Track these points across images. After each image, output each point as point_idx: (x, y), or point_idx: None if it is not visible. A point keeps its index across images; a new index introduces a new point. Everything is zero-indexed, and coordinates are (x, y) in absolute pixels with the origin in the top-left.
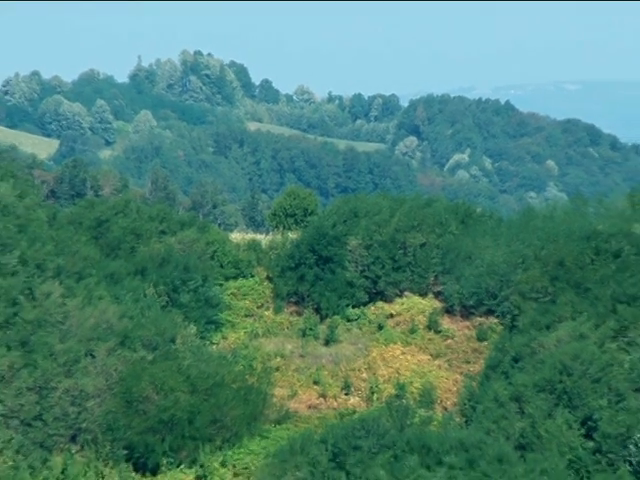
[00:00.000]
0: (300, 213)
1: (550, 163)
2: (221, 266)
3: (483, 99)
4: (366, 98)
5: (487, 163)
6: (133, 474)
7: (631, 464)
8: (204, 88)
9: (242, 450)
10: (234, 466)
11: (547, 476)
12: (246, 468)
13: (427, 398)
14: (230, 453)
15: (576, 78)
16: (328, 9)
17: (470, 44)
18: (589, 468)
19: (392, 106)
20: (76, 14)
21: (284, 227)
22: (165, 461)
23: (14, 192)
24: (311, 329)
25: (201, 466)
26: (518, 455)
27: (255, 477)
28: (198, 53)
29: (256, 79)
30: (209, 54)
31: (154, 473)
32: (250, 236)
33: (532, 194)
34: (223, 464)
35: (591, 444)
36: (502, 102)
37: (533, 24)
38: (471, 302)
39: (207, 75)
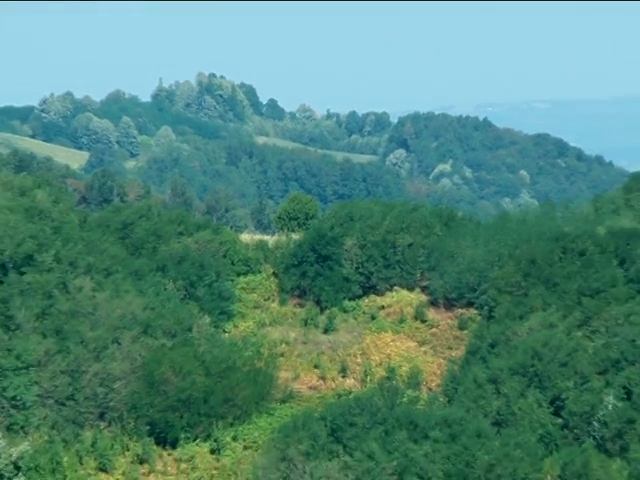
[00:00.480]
0: (302, 217)
1: (523, 173)
2: (232, 263)
3: (464, 116)
4: (360, 115)
5: (467, 172)
6: (154, 447)
7: (595, 438)
8: (217, 106)
9: (251, 426)
10: (244, 440)
11: (520, 449)
12: (254, 442)
13: (414, 380)
14: (240, 429)
15: (545, 97)
16: (328, 35)
17: (452, 67)
18: (557, 442)
19: (383, 122)
20: (104, 40)
21: (288, 229)
22: (183, 436)
23: (50, 198)
24: (312, 319)
25: (215, 440)
26: (495, 430)
27: (262, 450)
28: (212, 75)
29: (263, 98)
30: (222, 76)
31: (173, 446)
32: (258, 237)
33: (507, 200)
34: (234, 438)
35: (559, 421)
36: (480, 119)
37: (508, 49)
38: (453, 295)
39: (220, 95)
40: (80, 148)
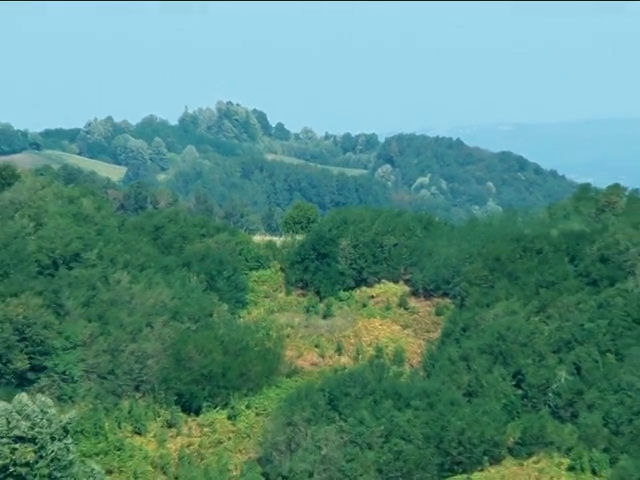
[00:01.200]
0: (304, 221)
1: (489, 184)
2: (246, 260)
3: (440, 137)
4: (353, 136)
5: (443, 184)
6: (181, 414)
7: (550, 407)
8: (234, 129)
9: (262, 396)
10: (256, 408)
11: (487, 416)
12: (265, 410)
13: (398, 358)
14: (253, 399)
15: (508, 121)
16: (327, 70)
17: (431, 94)
18: (518, 410)
19: (372, 142)
20: (139, 72)
21: (293, 231)
22: (205, 404)
23: (93, 205)
24: (313, 307)
25: (231, 408)
26: (466, 400)
27: (271, 416)
28: (229, 103)
29: (272, 122)
30: (237, 104)
31: (197, 413)
32: (267, 238)
33: (476, 207)
34: (248, 407)
35: (520, 392)
36: (454, 139)
37: (478, 79)
38: (431, 287)
39: (236, 119)
40: (119, 164)
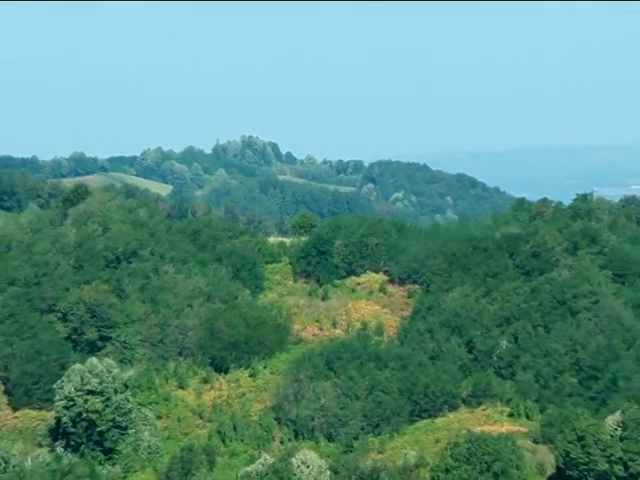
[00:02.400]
0: (307, 226)
1: (448, 198)
2: (263, 256)
3: (410, 162)
4: (345, 162)
5: (413, 198)
6: (214, 373)
7: (494, 367)
8: (254, 156)
9: (275, 359)
10: (270, 368)
11: (446, 374)
12: (277, 370)
13: (379, 330)
14: (269, 361)
15: (463, 149)
16: (325, 108)
17: (405, 127)
18: (470, 370)
19: (359, 166)
20: (180, 107)
21: (299, 234)
22: (232, 366)
23: (147, 214)
24: (314, 292)
25: (252, 369)
26: (430, 362)
27: (282, 375)
28: (250, 137)
29: (283, 150)
30: (257, 137)
31: (226, 373)
32: (279, 239)
33: (438, 216)
34: (264, 367)
35: (471, 356)
36: (421, 164)
37: (441, 114)
38: (404, 276)
39: (255, 149)
40: (166, 183)
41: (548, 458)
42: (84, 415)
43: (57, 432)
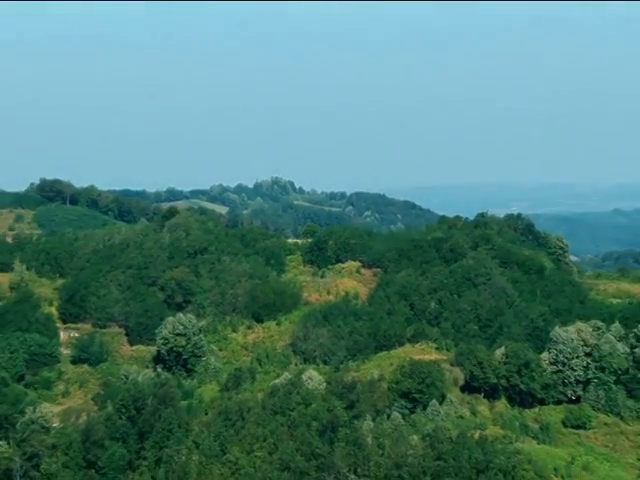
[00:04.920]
0: (312, 233)
1: (398, 216)
2: (284, 250)
3: (375, 192)
4: (335, 192)
5: (377, 215)
6: (254, 322)
7: (427, 319)
8: (279, 189)
9: (292, 315)
10: (289, 320)
11: (397, 324)
12: (294, 321)
13: (356, 297)
14: (288, 315)
15: (408, 184)
16: (322, 150)
17: (372, 165)
18: (412, 321)
19: (344, 195)
20: (240, 150)
21: (306, 237)
22: (265, 318)
23: (213, 225)
24: (315, 273)
25: (278, 320)
26: (387, 316)
27: (296, 324)
28: (276, 177)
29: (297, 185)
30: (281, 177)
31: (262, 322)
32: (294, 240)
33: (392, 226)
34: (285, 319)
35: (412, 312)
36: (381, 194)
37: (398, 152)
38: (372, 263)
39: (280, 185)
40: (225, 206)
41: (460, 375)
42: (174, 348)
43: (158, 359)
